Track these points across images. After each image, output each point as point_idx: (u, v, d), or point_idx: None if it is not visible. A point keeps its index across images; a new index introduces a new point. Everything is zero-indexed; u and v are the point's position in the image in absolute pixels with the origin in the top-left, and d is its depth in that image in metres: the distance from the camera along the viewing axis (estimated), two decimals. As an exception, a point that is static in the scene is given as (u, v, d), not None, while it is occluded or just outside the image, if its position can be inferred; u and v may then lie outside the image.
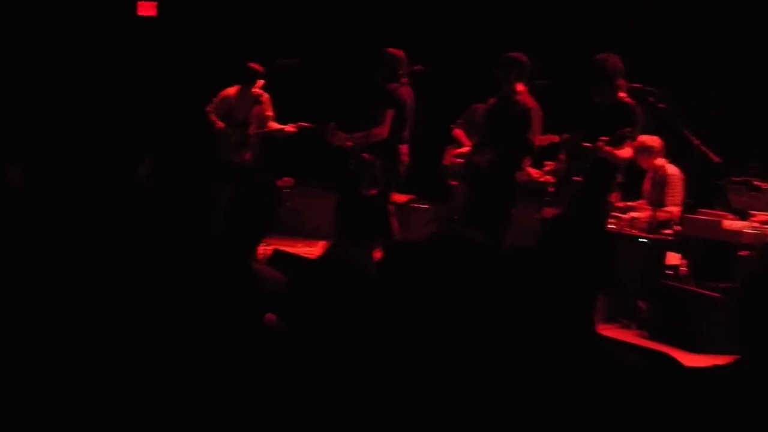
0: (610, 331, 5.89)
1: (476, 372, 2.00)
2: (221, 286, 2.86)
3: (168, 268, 2.90)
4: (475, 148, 6.75)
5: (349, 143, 6.98)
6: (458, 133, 7.54)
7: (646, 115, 6.08)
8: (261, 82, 8.08)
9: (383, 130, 6.87)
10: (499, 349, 2.08)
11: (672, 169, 7.02)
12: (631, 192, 6.98)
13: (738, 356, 2.33)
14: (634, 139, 6.03)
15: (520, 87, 6.52)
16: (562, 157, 6.37)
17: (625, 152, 5.96)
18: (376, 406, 2.07)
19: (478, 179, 6.57)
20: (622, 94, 5.99)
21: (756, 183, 6.52)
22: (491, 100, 6.74)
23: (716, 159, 6.50)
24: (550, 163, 8.09)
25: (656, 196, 7.08)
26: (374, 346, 2.19)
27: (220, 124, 8.18)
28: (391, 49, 7.01)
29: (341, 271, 2.74)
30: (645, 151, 6.89)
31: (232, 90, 8.31)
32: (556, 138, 7.75)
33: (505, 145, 6.45)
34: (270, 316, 3.30)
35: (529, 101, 6.55)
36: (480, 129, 6.85)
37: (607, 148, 5.84)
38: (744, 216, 6.32)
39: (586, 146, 5.97)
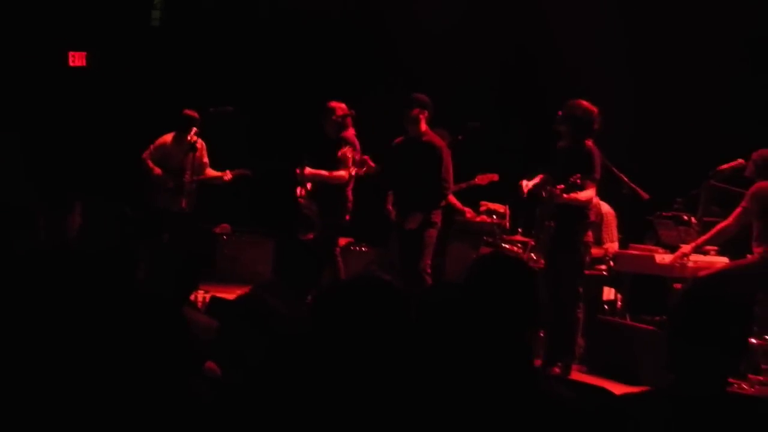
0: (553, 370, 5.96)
1: (405, 414, 2.00)
2: (154, 336, 2.83)
3: (99, 321, 2.86)
4: (402, 214, 6.82)
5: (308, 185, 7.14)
6: None
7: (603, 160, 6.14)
8: (195, 129, 8.07)
9: (345, 174, 7.11)
10: (426, 390, 2.09)
11: (606, 208, 7.20)
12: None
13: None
14: (594, 180, 6.03)
15: (425, 127, 6.72)
16: (527, 182, 6.40)
17: (586, 194, 5.97)
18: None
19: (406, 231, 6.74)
20: (587, 142, 6.02)
21: (684, 217, 6.70)
22: (397, 141, 6.89)
23: (645, 195, 6.66)
24: (486, 203, 8.23)
25: (592, 233, 7.23)
26: (300, 390, 2.19)
27: (158, 171, 8.14)
28: (333, 102, 7.23)
29: (254, 315, 2.76)
30: None
31: (168, 137, 8.28)
32: (495, 177, 7.89)
33: (421, 190, 6.64)
34: (210, 365, 3.28)
35: (438, 140, 6.71)
36: (392, 168, 6.98)
37: (565, 195, 5.89)
38: (674, 250, 6.47)
39: (547, 192, 6.03)
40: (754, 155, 6.14)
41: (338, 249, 7.29)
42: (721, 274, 5.97)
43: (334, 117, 7.17)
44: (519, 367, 2.33)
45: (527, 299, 2.42)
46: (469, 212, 8.09)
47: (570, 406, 2.32)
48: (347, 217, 7.24)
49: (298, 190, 7.27)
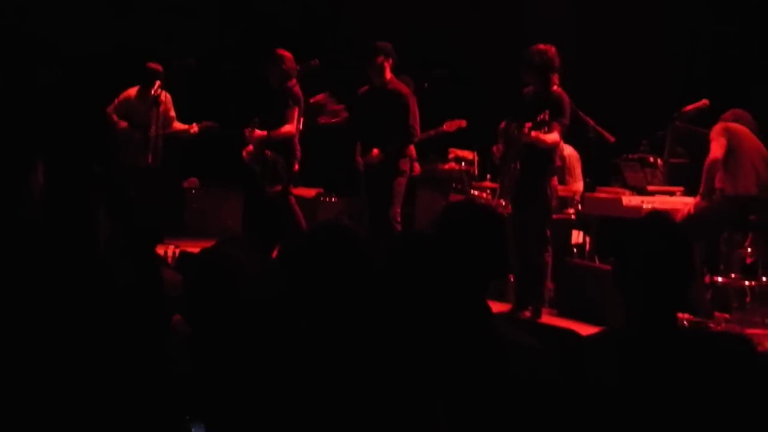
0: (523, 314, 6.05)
1: (370, 363, 2.02)
2: (126, 292, 2.83)
3: (67, 278, 2.85)
4: (364, 150, 6.79)
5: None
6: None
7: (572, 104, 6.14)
8: (158, 82, 7.97)
9: (291, 128, 7.02)
10: (390, 339, 2.11)
11: (569, 150, 7.22)
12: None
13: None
14: (563, 125, 5.99)
15: (389, 75, 6.67)
16: (500, 146, 6.42)
17: (552, 137, 5.93)
18: (279, 400, 2.09)
19: (372, 176, 6.72)
20: (554, 87, 6.01)
21: (650, 159, 6.75)
22: (363, 90, 6.84)
23: (611, 138, 6.69)
24: (454, 150, 8.24)
25: (557, 177, 7.27)
26: (268, 341, 2.21)
27: (123, 124, 8.06)
28: (280, 50, 7.11)
29: (218, 268, 2.76)
30: None
31: (132, 91, 8.18)
32: (463, 123, 7.86)
33: (389, 138, 6.59)
34: (176, 317, 3.29)
35: (403, 88, 6.68)
36: (359, 118, 6.93)
37: (533, 133, 5.88)
38: (641, 192, 6.53)
39: (514, 132, 6.04)
40: (725, 115, 6.16)
41: (293, 198, 7.26)
42: (681, 216, 6.04)
43: (284, 66, 7.06)
44: (478, 315, 2.35)
45: (496, 248, 2.42)
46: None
47: (528, 352, 2.33)
48: (296, 167, 7.21)
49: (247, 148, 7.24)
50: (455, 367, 2.22)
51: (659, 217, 2.46)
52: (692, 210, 6.02)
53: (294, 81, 7.11)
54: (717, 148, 5.97)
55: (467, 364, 2.23)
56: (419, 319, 2.38)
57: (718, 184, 6.02)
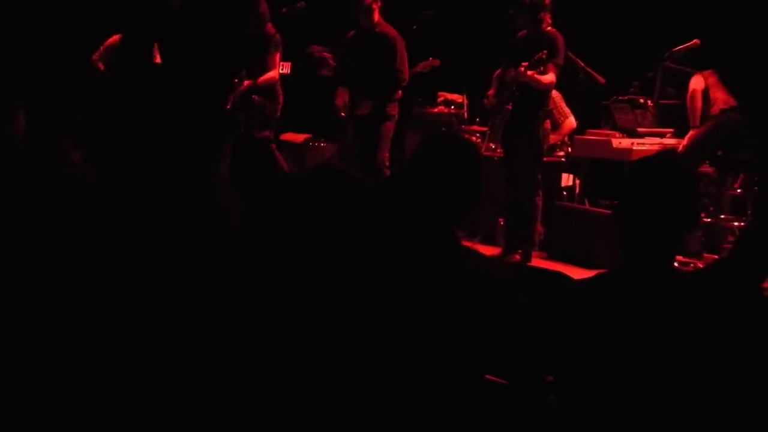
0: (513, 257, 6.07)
1: (349, 298, 2.01)
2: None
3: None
4: (352, 95, 6.72)
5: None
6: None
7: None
8: (144, 28, 7.85)
9: (275, 74, 6.90)
10: (370, 272, 2.09)
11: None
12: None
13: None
14: (558, 66, 5.95)
15: (378, 17, 6.58)
16: (491, 92, 6.36)
17: (548, 78, 5.90)
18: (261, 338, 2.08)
19: (360, 121, 6.69)
20: (546, 26, 5.96)
21: (641, 100, 6.72)
22: (350, 34, 6.74)
23: (601, 80, 6.65)
24: (443, 93, 8.17)
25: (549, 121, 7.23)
26: (252, 284, 2.19)
27: (110, 73, 7.97)
28: None
29: (204, 213, 2.74)
30: None
31: (117, 38, 8.06)
32: (437, 62, 7.72)
33: (377, 82, 6.53)
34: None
35: (391, 31, 6.59)
36: (346, 60, 6.82)
37: (529, 72, 5.83)
38: (631, 134, 6.51)
39: (510, 74, 5.99)
40: None
41: (274, 144, 7.17)
42: (680, 150, 6.08)
43: (259, 9, 6.88)
44: (447, 242, 2.34)
45: (469, 177, 2.40)
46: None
47: (499, 279, 2.31)
48: (278, 113, 7.13)
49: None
50: (423, 294, 2.21)
51: (669, 156, 2.41)
52: (686, 141, 6.13)
53: (270, 24, 6.95)
54: (695, 83, 6.23)
55: (434, 291, 2.23)
56: (390, 244, 2.36)
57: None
